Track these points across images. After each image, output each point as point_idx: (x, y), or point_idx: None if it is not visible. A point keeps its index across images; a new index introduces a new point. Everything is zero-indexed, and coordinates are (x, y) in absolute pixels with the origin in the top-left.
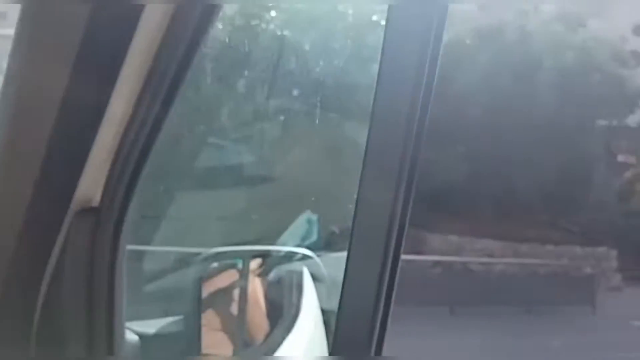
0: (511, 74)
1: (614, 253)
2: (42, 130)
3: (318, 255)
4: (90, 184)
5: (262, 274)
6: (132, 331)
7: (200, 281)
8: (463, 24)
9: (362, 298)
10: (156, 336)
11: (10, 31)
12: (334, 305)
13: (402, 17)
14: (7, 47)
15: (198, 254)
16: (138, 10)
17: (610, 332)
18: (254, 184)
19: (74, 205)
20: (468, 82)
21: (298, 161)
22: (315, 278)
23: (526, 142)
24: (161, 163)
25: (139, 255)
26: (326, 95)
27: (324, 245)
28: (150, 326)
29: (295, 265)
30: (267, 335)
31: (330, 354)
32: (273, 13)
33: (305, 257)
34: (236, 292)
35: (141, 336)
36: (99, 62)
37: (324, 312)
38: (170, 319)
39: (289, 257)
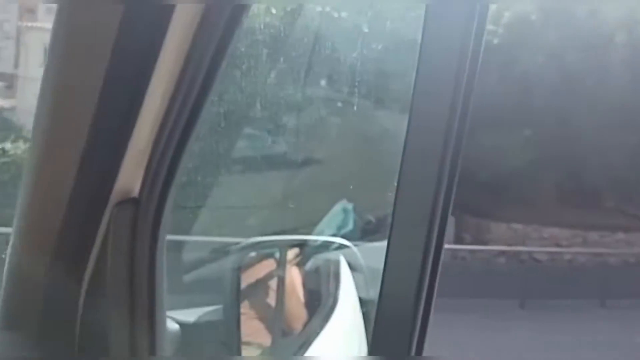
0: (580, 51)
1: None
2: (81, 123)
3: (355, 245)
4: (130, 175)
5: (300, 263)
6: (173, 320)
7: (238, 271)
8: None
9: (402, 295)
10: (196, 325)
11: (39, 24)
12: (371, 294)
13: (442, 7)
14: (37, 37)
15: (236, 243)
16: (170, 5)
17: None
18: (290, 173)
19: (114, 197)
20: (534, 61)
21: (334, 150)
22: (352, 267)
23: (595, 124)
24: (198, 153)
25: (178, 245)
26: (364, 83)
27: (360, 234)
28: (191, 315)
29: (332, 255)
30: (305, 325)
31: (369, 353)
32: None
33: (342, 247)
34: (274, 282)
35: (182, 325)
36: (134, 55)
37: (361, 301)
38: (209, 308)
39: (326, 246)
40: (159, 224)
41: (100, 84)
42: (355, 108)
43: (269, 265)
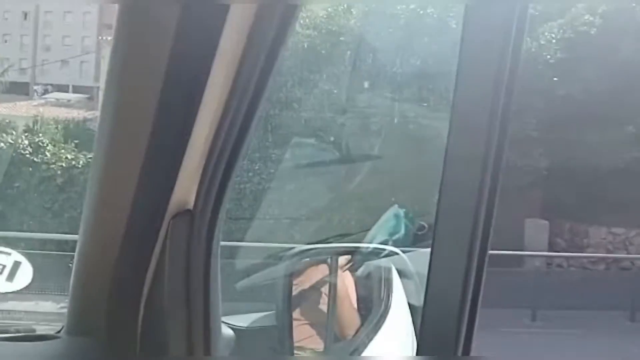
0: None
1: None
2: (139, 139)
3: (406, 252)
4: (185, 188)
5: (351, 270)
6: (227, 325)
7: (290, 277)
8: None
9: (447, 296)
10: (249, 330)
11: None
12: (420, 300)
13: (481, 14)
14: None
15: (288, 249)
16: (224, 10)
17: None
18: (340, 180)
19: (171, 210)
20: (636, 51)
21: (385, 156)
22: (402, 275)
23: None
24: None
25: (231, 252)
26: (408, 89)
27: (412, 240)
28: (244, 320)
29: (383, 262)
30: (357, 331)
31: (417, 354)
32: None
33: (392, 254)
34: (325, 288)
35: (235, 330)
36: (189, 66)
37: (412, 309)
38: (262, 314)
39: (377, 253)
40: (212, 235)
41: (156, 102)
42: (398, 116)
43: (320, 271)
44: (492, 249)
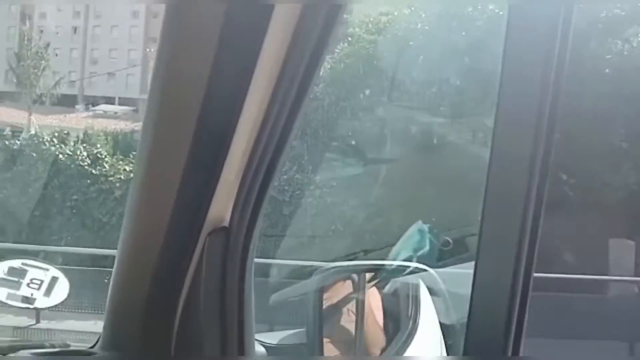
0: None
1: None
2: (179, 155)
3: (434, 268)
4: (221, 205)
5: (379, 287)
6: (258, 342)
7: (320, 294)
8: None
9: (494, 300)
10: (280, 347)
11: None
12: (451, 319)
13: (525, 16)
14: None
15: (316, 267)
16: (268, 10)
17: None
18: (367, 195)
19: (207, 226)
20: None
21: (408, 171)
22: (432, 292)
23: None
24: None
25: (263, 268)
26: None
27: (438, 256)
28: (274, 338)
29: (411, 278)
30: (385, 348)
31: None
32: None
33: (421, 271)
34: (353, 305)
35: (267, 347)
36: (231, 72)
37: (442, 326)
38: (292, 331)
39: (405, 270)
40: (247, 252)
41: (196, 116)
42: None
43: (349, 289)
44: (573, 273)
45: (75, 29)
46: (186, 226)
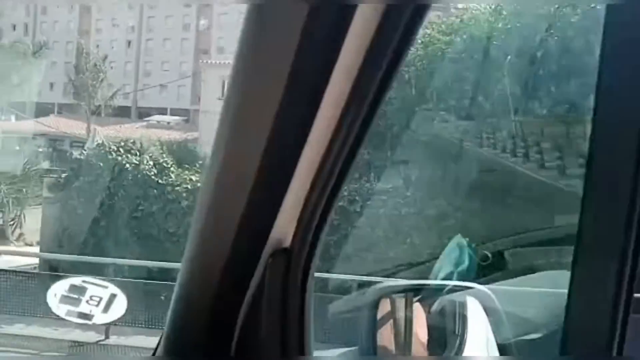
0: None
1: None
2: (247, 176)
3: (479, 283)
4: (283, 227)
5: (428, 305)
6: None
7: (374, 313)
8: None
9: (596, 308)
10: None
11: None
12: (505, 336)
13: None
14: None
15: (370, 284)
16: (350, 10)
17: None
18: (405, 209)
19: (269, 247)
20: None
21: (447, 182)
22: (486, 310)
23: None
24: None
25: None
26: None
27: (478, 271)
28: (329, 355)
29: (460, 297)
30: None
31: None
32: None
33: (470, 288)
34: (402, 323)
35: None
36: (309, 75)
37: (498, 345)
38: (345, 349)
39: (458, 289)
40: (308, 273)
41: (265, 137)
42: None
43: (399, 307)
44: None
45: (129, 43)
46: (249, 247)
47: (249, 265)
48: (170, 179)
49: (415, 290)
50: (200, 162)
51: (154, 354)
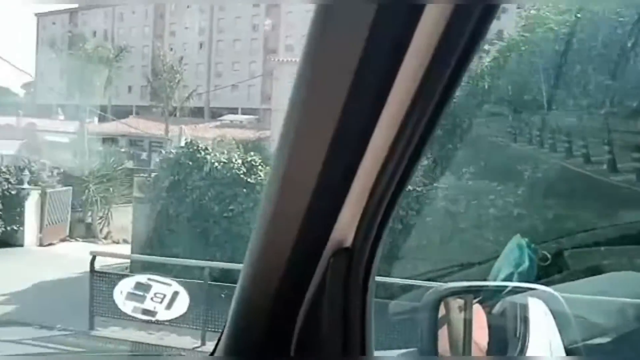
0: None
1: None
2: (310, 176)
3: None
4: (345, 227)
5: (487, 306)
6: None
7: (435, 315)
8: None
9: None
10: None
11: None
12: (575, 340)
13: None
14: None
15: (429, 288)
16: (419, 10)
17: None
18: (461, 209)
19: (330, 247)
20: None
21: (507, 182)
22: (552, 312)
23: None
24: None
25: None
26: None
27: (538, 271)
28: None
29: (522, 298)
30: None
31: None
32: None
33: (533, 290)
34: (461, 325)
35: None
36: (374, 75)
37: (565, 349)
38: (404, 350)
39: (517, 290)
40: (369, 273)
41: (330, 137)
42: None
43: (460, 309)
44: None
45: (201, 45)
46: (310, 247)
47: (309, 266)
48: (259, 178)
49: (476, 291)
50: None
51: (212, 354)
